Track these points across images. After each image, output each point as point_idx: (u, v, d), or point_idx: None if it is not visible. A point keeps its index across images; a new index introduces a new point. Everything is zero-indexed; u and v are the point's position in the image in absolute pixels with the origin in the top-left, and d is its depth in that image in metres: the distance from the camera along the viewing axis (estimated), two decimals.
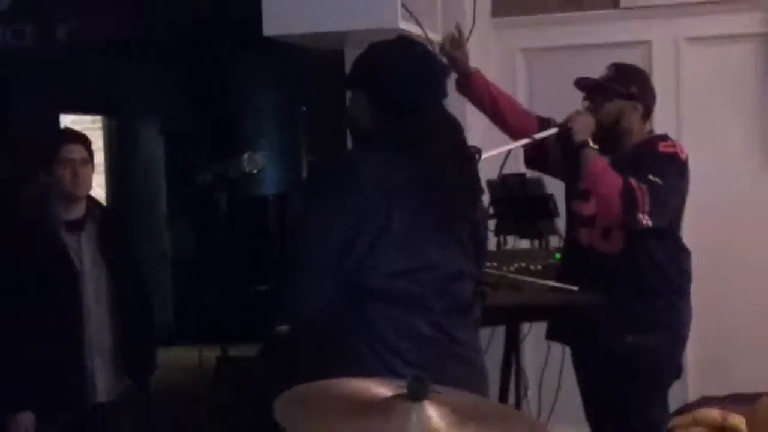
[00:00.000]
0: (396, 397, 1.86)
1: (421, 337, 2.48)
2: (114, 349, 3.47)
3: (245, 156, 3.51)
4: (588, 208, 3.58)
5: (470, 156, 2.73)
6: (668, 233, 3.55)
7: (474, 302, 2.72)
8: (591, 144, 3.45)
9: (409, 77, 2.58)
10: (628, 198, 3.33)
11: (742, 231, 4.18)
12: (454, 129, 2.67)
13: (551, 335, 3.89)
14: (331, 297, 2.46)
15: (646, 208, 3.33)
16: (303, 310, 2.54)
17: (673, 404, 4.01)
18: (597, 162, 3.43)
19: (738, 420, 3.93)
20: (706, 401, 4.37)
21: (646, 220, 3.34)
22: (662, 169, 3.41)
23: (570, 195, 3.68)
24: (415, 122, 2.57)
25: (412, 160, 2.52)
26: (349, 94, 2.76)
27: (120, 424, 3.53)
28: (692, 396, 4.11)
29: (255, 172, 3.44)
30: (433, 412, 1.83)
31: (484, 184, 3.62)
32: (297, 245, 2.58)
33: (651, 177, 3.36)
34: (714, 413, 4.32)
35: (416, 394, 1.84)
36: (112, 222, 3.62)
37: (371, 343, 2.42)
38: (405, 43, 2.76)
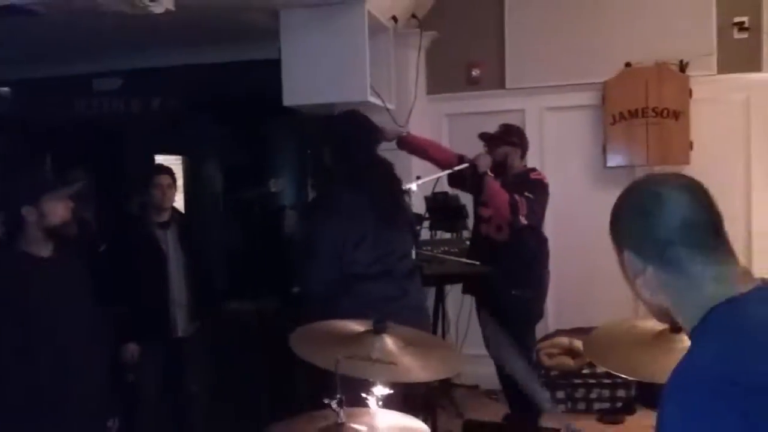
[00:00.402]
0: (365, 331, 1.87)
1: (388, 296, 2.48)
2: (188, 303, 3.43)
3: (272, 181, 3.50)
4: (486, 212, 3.60)
5: (399, 182, 2.75)
6: (537, 230, 3.59)
7: (416, 271, 2.74)
8: (489, 173, 3.46)
9: (355, 137, 2.61)
10: (513, 207, 3.37)
11: (582, 227, 4.19)
12: (386, 167, 2.69)
13: (465, 291, 3.90)
14: (332, 278, 2.47)
15: (524, 212, 3.38)
16: (317, 284, 2.53)
17: (539, 335, 4.05)
18: (493, 185, 3.45)
19: (578, 343, 3.94)
20: (558, 333, 4.43)
21: (523, 221, 3.39)
22: (533, 190, 3.46)
23: (476, 204, 3.69)
24: (362, 165, 2.60)
25: (364, 189, 2.55)
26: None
27: (193, 351, 3.49)
28: (551, 329, 4.14)
29: (277, 191, 3.42)
30: (389, 341, 1.83)
31: (422, 199, 3.65)
32: (313, 246, 2.56)
33: (527, 194, 3.40)
34: (564, 340, 4.34)
35: (378, 330, 1.85)
36: (187, 223, 3.58)
37: (356, 304, 2.41)
38: (351, 113, 2.77)
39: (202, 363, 3.51)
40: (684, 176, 1.22)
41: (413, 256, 2.71)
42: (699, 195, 1.17)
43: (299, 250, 2.67)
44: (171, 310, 3.37)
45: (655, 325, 2.03)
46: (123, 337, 3.27)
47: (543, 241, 3.65)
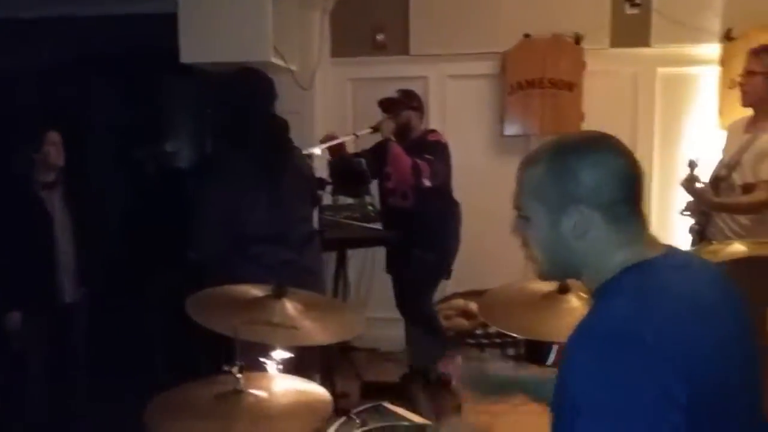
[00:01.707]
0: (265, 296, 1.85)
1: (282, 260, 2.46)
2: (76, 268, 3.26)
3: (168, 141, 3.36)
4: (390, 184, 3.66)
5: (291, 144, 2.70)
6: (444, 193, 3.65)
7: (314, 236, 2.74)
8: (392, 138, 3.49)
9: (252, 97, 2.58)
10: (415, 170, 3.41)
11: (479, 193, 4.29)
12: (283, 130, 2.65)
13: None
14: (223, 240, 2.42)
15: (427, 175, 3.43)
16: (208, 247, 2.50)
17: (439, 297, 4.15)
18: (395, 149, 3.48)
19: (473, 305, 4.05)
20: (455, 295, 4.55)
21: (427, 182, 3.45)
22: (433, 151, 3.52)
23: (380, 178, 3.72)
24: (257, 126, 2.55)
25: (258, 151, 2.51)
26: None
27: (81, 318, 3.33)
28: (448, 292, 4.24)
29: (174, 151, 3.29)
30: (289, 306, 1.83)
31: (326, 164, 3.63)
32: (203, 209, 2.50)
33: (427, 156, 3.45)
34: (460, 302, 4.45)
35: (277, 294, 1.83)
36: (76, 184, 3.37)
37: (250, 267, 2.39)
38: (248, 72, 2.71)
39: (91, 330, 3.37)
40: (612, 138, 1.20)
41: (312, 221, 2.70)
42: (622, 158, 1.17)
43: (192, 212, 2.60)
44: (57, 276, 3.19)
45: (543, 286, 2.14)
46: (5, 305, 3.08)
47: (450, 204, 3.71)
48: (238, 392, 1.59)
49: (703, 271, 1.25)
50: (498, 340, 4.17)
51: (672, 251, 1.22)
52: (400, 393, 3.43)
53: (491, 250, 4.43)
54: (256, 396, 1.60)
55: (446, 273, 3.78)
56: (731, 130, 3.30)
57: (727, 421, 1.09)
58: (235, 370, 1.60)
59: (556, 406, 1.11)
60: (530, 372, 1.61)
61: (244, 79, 2.66)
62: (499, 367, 1.69)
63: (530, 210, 1.21)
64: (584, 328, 1.09)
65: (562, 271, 1.26)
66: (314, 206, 2.82)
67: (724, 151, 3.24)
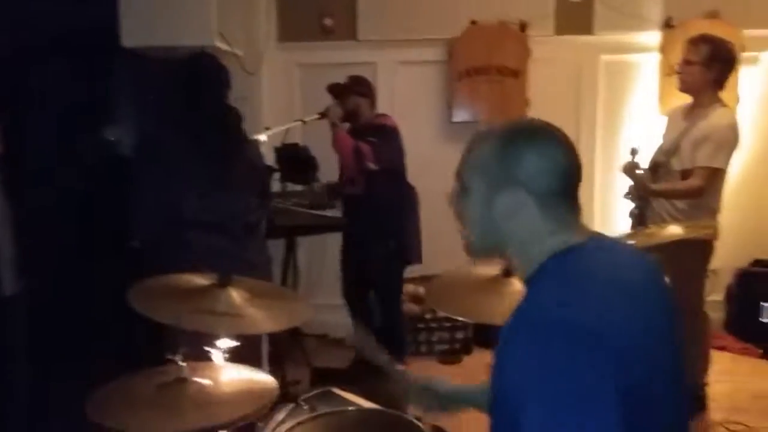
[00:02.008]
0: (210, 285, 1.83)
1: (220, 249, 2.43)
2: (15, 258, 3.15)
3: (109, 128, 3.27)
4: (339, 171, 3.63)
5: (240, 132, 2.67)
6: (395, 177, 3.61)
7: (258, 226, 2.71)
8: (339, 124, 3.48)
9: (197, 82, 2.54)
10: (357, 153, 3.40)
11: (428, 180, 4.31)
12: (231, 117, 2.61)
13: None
14: (158, 226, 2.39)
15: (370, 158, 3.42)
16: (144, 233, 2.48)
17: None
18: (339, 133, 3.48)
19: (422, 290, 4.10)
20: (405, 281, 4.53)
21: (371, 165, 3.43)
22: (377, 133, 3.51)
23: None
24: (205, 112, 2.52)
25: (201, 137, 2.47)
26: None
27: (20, 311, 3.22)
28: None
29: (116, 138, 3.20)
30: (235, 294, 1.81)
31: (272, 150, 3.59)
32: (139, 193, 2.46)
33: (370, 139, 3.45)
34: (410, 287, 4.48)
35: (222, 283, 1.82)
36: (14, 170, 3.25)
37: (186, 255, 2.36)
38: (197, 57, 2.67)
39: (31, 323, 3.27)
40: (561, 132, 1.23)
41: (258, 213, 2.66)
42: (566, 154, 1.20)
43: (131, 197, 2.55)
44: None
45: (489, 271, 2.18)
46: None
47: (403, 188, 3.66)
48: (182, 381, 1.58)
49: (628, 255, 1.29)
50: (447, 324, 4.25)
51: (598, 237, 1.25)
52: (351, 379, 3.45)
53: (440, 235, 4.45)
54: (200, 384, 1.59)
55: (414, 257, 3.74)
56: (670, 117, 3.40)
57: (655, 403, 1.12)
58: (178, 358, 1.59)
59: (493, 398, 1.13)
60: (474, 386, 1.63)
61: (194, 64, 2.61)
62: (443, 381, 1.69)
63: (470, 182, 1.24)
64: (518, 316, 1.11)
65: (487, 248, 1.29)
66: (264, 198, 2.77)
67: (664, 136, 3.35)
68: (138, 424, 1.47)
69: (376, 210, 3.56)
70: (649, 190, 3.15)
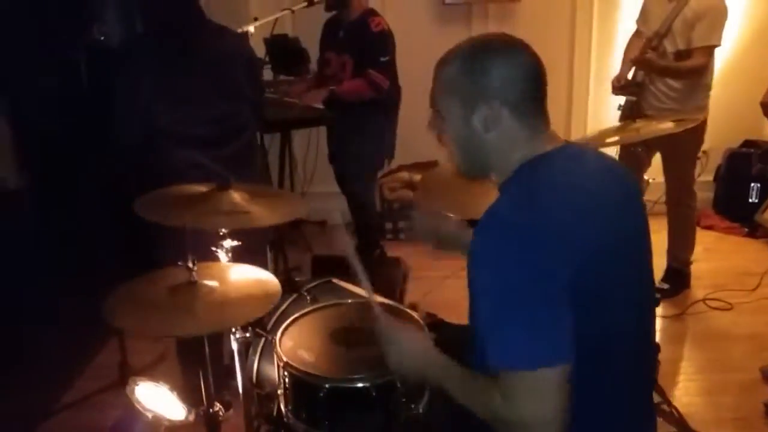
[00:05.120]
0: (211, 190, 1.90)
1: (191, 164, 2.34)
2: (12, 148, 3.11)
3: (96, 25, 3.19)
4: (329, 72, 3.53)
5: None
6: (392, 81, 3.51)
7: (249, 149, 2.61)
8: (334, 89, 3.38)
9: None
10: (373, 85, 3.36)
11: (421, 62, 4.23)
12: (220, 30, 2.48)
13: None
14: (136, 132, 2.36)
15: (385, 83, 3.37)
16: (122, 137, 2.41)
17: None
18: (344, 89, 3.39)
19: (417, 177, 4.16)
20: (401, 168, 4.63)
21: (386, 86, 3.39)
22: (384, 48, 3.40)
23: (320, 66, 3.62)
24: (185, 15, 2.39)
25: (189, 42, 2.38)
26: None
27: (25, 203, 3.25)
28: (393, 165, 4.31)
29: (103, 37, 3.12)
30: (236, 195, 1.89)
31: (262, 41, 3.51)
32: (116, 96, 2.41)
33: (381, 59, 3.37)
34: (405, 174, 4.55)
35: (221, 188, 1.89)
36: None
37: (165, 167, 2.32)
38: None
39: (36, 216, 3.33)
40: (522, 41, 1.27)
41: (242, 120, 2.53)
42: (530, 59, 1.24)
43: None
44: None
45: None
46: None
47: (394, 87, 3.54)
48: (192, 284, 1.68)
49: (597, 164, 1.36)
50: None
51: (569, 146, 1.32)
52: (349, 266, 3.59)
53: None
54: (209, 287, 1.69)
55: (388, 157, 3.75)
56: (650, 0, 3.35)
57: (616, 308, 1.21)
58: (190, 262, 1.68)
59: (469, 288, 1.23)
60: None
61: None
62: (451, 224, 1.82)
63: (445, 107, 1.29)
64: (483, 217, 1.21)
65: (476, 168, 1.35)
66: (256, 95, 2.61)
67: (645, 20, 3.31)
68: (151, 327, 1.58)
69: (360, 115, 3.49)
70: (658, 65, 3.16)
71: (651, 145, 3.20)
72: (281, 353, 1.66)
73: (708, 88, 3.27)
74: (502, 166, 1.29)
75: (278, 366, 1.68)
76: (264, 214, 1.84)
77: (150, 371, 2.84)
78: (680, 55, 3.16)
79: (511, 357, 1.09)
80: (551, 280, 1.10)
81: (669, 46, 3.18)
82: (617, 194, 1.30)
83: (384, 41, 3.42)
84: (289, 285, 2.14)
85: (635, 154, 3.19)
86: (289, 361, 1.63)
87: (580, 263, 1.12)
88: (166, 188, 1.89)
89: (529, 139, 1.26)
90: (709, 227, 4.34)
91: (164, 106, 2.33)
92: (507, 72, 1.22)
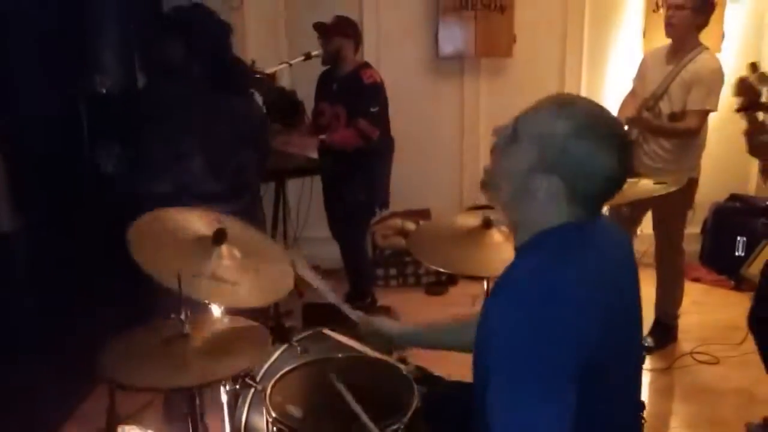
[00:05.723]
0: (204, 237, 1.91)
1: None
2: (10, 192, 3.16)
3: (97, 77, 3.25)
4: (323, 121, 3.61)
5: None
6: (382, 131, 3.60)
7: (250, 181, 2.65)
8: (323, 138, 3.46)
9: (207, 32, 2.48)
10: (363, 135, 3.45)
11: (415, 114, 4.35)
12: (243, 69, 2.62)
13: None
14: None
15: (374, 133, 3.47)
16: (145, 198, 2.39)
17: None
18: (335, 138, 3.47)
19: (410, 225, 4.19)
20: (393, 215, 4.66)
21: (374, 136, 3.48)
22: (374, 99, 3.50)
23: (315, 116, 3.71)
24: (218, 62, 2.46)
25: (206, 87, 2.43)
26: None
27: (19, 248, 3.28)
28: (386, 213, 4.34)
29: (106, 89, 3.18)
30: (226, 254, 1.89)
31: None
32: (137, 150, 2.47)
33: (371, 109, 3.47)
34: (398, 222, 4.59)
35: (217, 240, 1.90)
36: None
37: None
38: (198, 6, 2.64)
39: (30, 259, 3.35)
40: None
41: (246, 175, 2.59)
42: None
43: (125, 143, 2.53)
44: None
45: (469, 222, 2.30)
46: None
47: (382, 141, 3.61)
48: (185, 336, 1.70)
49: (611, 232, 1.35)
50: None
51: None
52: (341, 315, 3.60)
53: (428, 169, 4.58)
54: (201, 339, 1.72)
55: (380, 206, 3.81)
56: (649, 60, 3.45)
57: (614, 383, 1.21)
58: (182, 316, 1.70)
59: (477, 341, 1.22)
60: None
61: (198, 12, 2.56)
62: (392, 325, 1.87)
63: (526, 139, 1.23)
64: (504, 276, 1.20)
65: (499, 198, 1.31)
66: (261, 154, 2.66)
67: (642, 80, 3.40)
68: (144, 379, 1.60)
69: (353, 164, 3.57)
70: (652, 125, 3.24)
71: (640, 204, 3.24)
72: (270, 409, 1.67)
73: (701, 148, 3.33)
74: (526, 226, 1.26)
75: (267, 421, 1.68)
76: (250, 294, 1.85)
77: (138, 417, 2.82)
78: (674, 116, 3.24)
79: None
80: (562, 371, 1.07)
81: (664, 108, 3.26)
82: (628, 268, 1.31)
83: (375, 92, 3.52)
84: (279, 332, 2.13)
85: (622, 215, 3.24)
86: (278, 417, 1.64)
87: (588, 354, 1.10)
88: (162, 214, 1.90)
89: (565, 217, 1.23)
90: (696, 279, 4.38)
91: (195, 159, 2.38)
92: (593, 168, 1.18)
